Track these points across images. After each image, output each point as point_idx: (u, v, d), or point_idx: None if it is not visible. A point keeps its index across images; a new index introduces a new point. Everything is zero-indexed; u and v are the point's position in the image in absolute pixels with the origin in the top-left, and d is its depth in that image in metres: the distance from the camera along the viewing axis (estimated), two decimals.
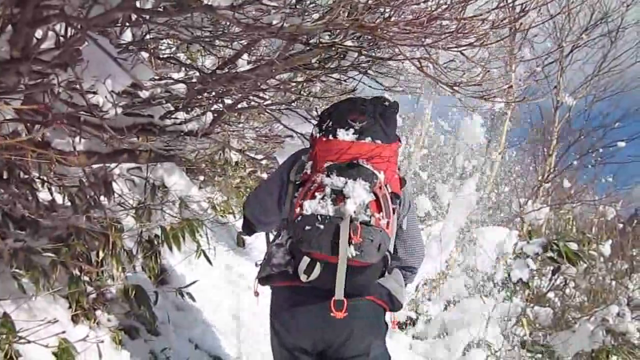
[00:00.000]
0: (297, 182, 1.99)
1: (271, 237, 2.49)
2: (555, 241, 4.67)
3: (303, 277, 1.81)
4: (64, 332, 2.21)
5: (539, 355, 4.81)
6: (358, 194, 1.80)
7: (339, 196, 1.80)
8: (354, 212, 1.77)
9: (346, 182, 1.82)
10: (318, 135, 1.99)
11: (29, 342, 1.97)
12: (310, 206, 1.80)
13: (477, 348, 4.79)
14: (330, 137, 1.94)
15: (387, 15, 1.32)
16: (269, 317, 2.15)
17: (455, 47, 1.37)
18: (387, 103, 2.04)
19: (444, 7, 1.27)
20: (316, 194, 1.82)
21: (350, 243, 1.74)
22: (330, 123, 1.97)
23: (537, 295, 5.83)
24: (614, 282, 6.26)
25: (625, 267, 6.82)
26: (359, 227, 1.76)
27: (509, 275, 4.89)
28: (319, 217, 1.78)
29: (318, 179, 1.85)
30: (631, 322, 4.73)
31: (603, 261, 6.34)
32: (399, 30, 1.29)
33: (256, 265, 2.23)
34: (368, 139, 1.94)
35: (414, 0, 1.31)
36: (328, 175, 1.85)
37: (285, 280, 1.97)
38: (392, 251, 2.07)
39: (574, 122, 9.41)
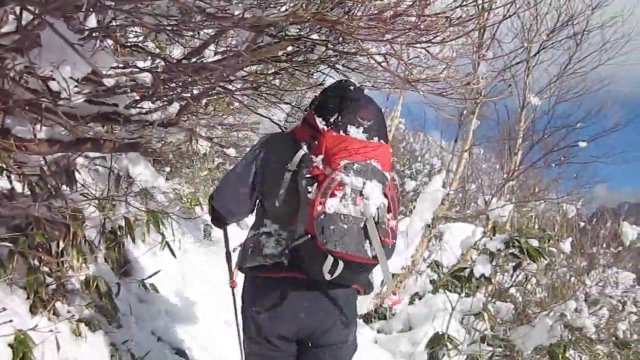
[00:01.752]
0: (306, 176, 1.95)
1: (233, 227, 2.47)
2: (517, 238, 4.77)
3: (327, 276, 1.81)
4: (11, 320, 2.15)
5: (499, 349, 4.91)
6: (376, 195, 1.85)
7: (358, 196, 1.83)
8: (376, 213, 1.83)
9: (364, 183, 1.85)
10: (326, 128, 1.96)
11: None
12: (332, 205, 1.81)
13: (440, 342, 4.87)
14: (342, 132, 1.94)
15: (350, 9, 1.33)
16: (246, 307, 2.15)
17: (417, 43, 1.39)
18: (352, 87, 2.07)
19: (409, 3, 1.28)
20: (336, 192, 1.83)
21: (370, 244, 1.81)
22: (339, 117, 1.95)
23: (499, 291, 5.95)
24: (573, 279, 6.42)
25: (584, 264, 7.01)
26: (388, 230, 1.86)
27: (472, 270, 4.96)
28: (342, 216, 1.81)
29: (337, 177, 1.84)
30: (588, 318, 4.86)
31: (563, 258, 6.50)
32: (363, 25, 1.30)
33: (233, 251, 2.25)
34: (375, 139, 1.97)
35: None
36: (347, 174, 1.85)
37: (279, 272, 1.99)
38: None
39: (538, 122, 9.62)
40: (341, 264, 1.80)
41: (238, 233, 2.47)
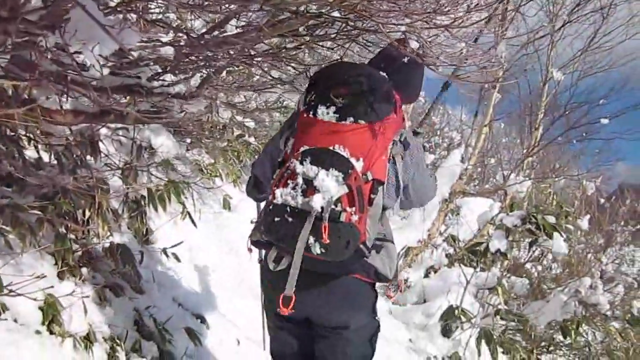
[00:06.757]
0: (278, 159, 1.87)
1: None
2: (534, 214, 4.78)
3: (272, 266, 1.78)
4: (51, 286, 2.26)
5: (512, 324, 4.97)
6: (327, 187, 1.64)
7: (309, 187, 1.66)
8: (322, 208, 1.63)
9: (317, 173, 1.66)
10: (302, 107, 1.83)
11: (18, 294, 2.02)
12: (281, 195, 1.69)
13: (453, 314, 4.94)
14: (311, 114, 1.78)
15: None
16: (261, 280, 2.19)
17: (436, 27, 1.40)
18: (405, 60, 1.84)
19: None
20: (289, 181, 1.70)
21: (316, 241, 1.64)
22: (314, 96, 1.79)
23: (515, 266, 5.99)
24: (589, 255, 6.43)
25: (601, 242, 7.00)
26: (326, 227, 1.61)
27: (487, 245, 5.00)
28: (288, 208, 1.67)
29: (292, 165, 1.70)
30: (602, 295, 4.90)
31: (581, 234, 6.50)
32: (383, 8, 1.31)
33: (251, 222, 2.24)
34: (350, 120, 1.75)
35: None
36: (301, 163, 1.69)
37: (269, 249, 1.93)
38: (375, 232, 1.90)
39: (560, 97, 9.45)
40: (285, 259, 1.75)
41: None
